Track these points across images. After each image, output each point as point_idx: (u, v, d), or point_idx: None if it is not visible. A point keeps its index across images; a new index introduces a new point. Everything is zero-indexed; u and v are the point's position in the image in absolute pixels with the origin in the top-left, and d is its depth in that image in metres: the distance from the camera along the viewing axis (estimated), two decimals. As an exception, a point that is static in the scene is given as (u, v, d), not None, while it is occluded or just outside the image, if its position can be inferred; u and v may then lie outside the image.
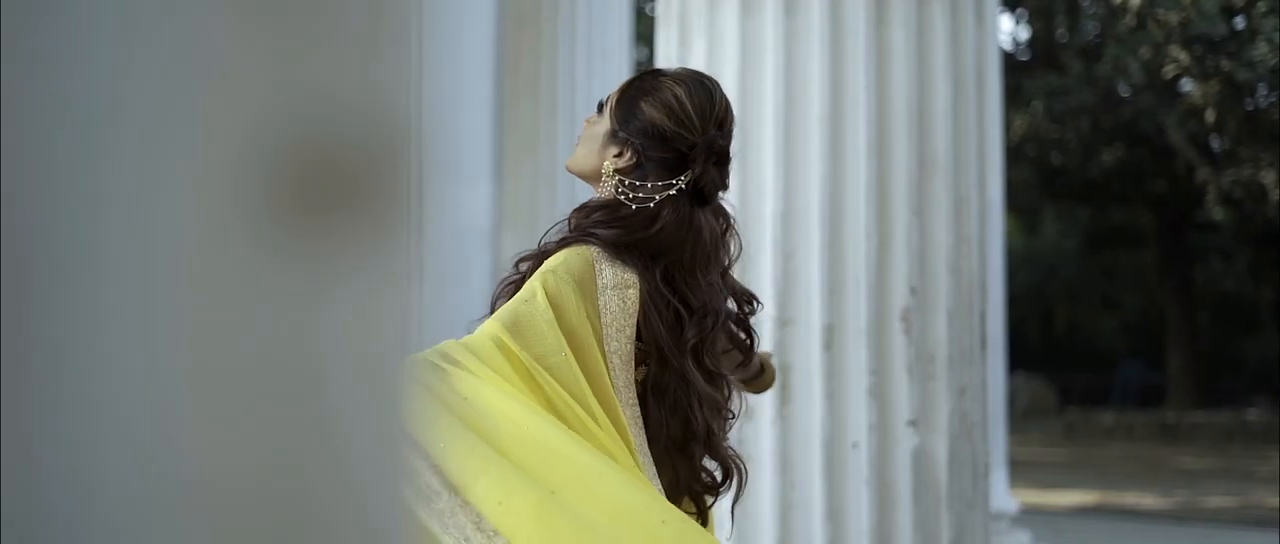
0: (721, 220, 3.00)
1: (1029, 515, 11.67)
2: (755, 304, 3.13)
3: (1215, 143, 23.58)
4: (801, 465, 4.70)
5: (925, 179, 4.81)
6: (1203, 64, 19.88)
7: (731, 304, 3.03)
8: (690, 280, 2.92)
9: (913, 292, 4.74)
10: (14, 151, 0.73)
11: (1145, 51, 19.78)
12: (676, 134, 2.96)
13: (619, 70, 11.61)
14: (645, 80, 3.04)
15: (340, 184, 0.81)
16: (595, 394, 2.81)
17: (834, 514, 4.68)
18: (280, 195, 0.78)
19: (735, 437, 4.71)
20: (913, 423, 4.72)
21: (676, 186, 2.95)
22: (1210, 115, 20.50)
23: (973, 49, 5.00)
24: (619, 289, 2.87)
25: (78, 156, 0.74)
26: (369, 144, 0.83)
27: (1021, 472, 16.49)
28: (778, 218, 4.73)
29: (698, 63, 4.88)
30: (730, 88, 4.80)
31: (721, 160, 2.97)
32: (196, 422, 0.76)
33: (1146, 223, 29.77)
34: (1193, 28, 19.04)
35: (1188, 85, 21.59)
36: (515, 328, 2.82)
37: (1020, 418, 25.51)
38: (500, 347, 2.78)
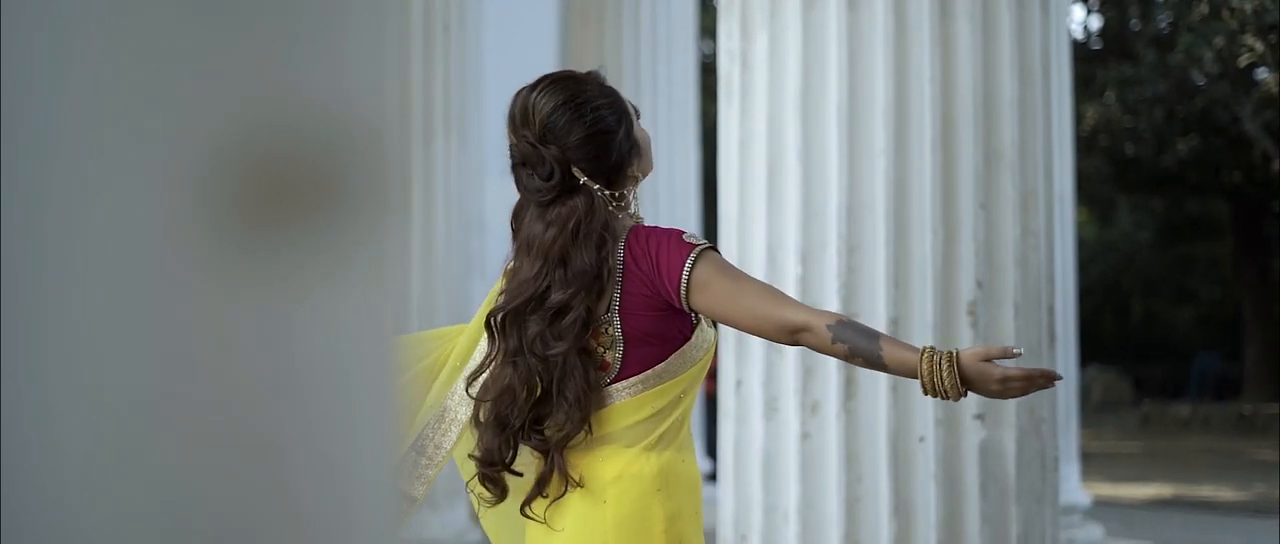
0: (554, 216, 3.25)
1: (1103, 508, 11.58)
2: (545, 302, 3.29)
3: (1291, 132, 23.30)
4: (868, 460, 4.68)
5: (991, 172, 4.78)
6: (1278, 53, 19.66)
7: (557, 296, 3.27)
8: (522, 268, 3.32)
9: (979, 285, 4.71)
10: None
11: (1219, 40, 19.56)
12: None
13: (684, 65, 11.61)
14: None
15: (313, 189, 0.81)
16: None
17: (901, 509, 4.66)
18: (249, 200, 0.77)
19: (800, 430, 4.70)
20: (980, 417, 4.69)
21: None
22: (1286, 104, 20.27)
23: (1039, 40, 4.96)
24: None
25: (45, 159, 0.74)
26: (343, 148, 0.82)
27: (1096, 465, 16.37)
28: (842, 212, 4.71)
29: (760, 57, 4.86)
30: (792, 81, 4.78)
31: (520, 163, 3.28)
32: (164, 424, 0.76)
33: (1222, 213, 29.48)
34: (1268, 16, 18.83)
35: (1263, 74, 21.36)
36: None
37: (1095, 410, 25.33)
38: None
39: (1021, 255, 4.78)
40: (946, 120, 4.75)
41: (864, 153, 4.74)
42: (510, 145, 3.29)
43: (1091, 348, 25.94)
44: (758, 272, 4.79)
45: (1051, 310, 4.97)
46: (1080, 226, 26.95)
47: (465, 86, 8.01)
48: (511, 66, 11.05)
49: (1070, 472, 9.66)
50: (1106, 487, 14.90)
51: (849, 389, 4.66)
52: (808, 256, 4.73)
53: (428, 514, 7.67)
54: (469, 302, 7.87)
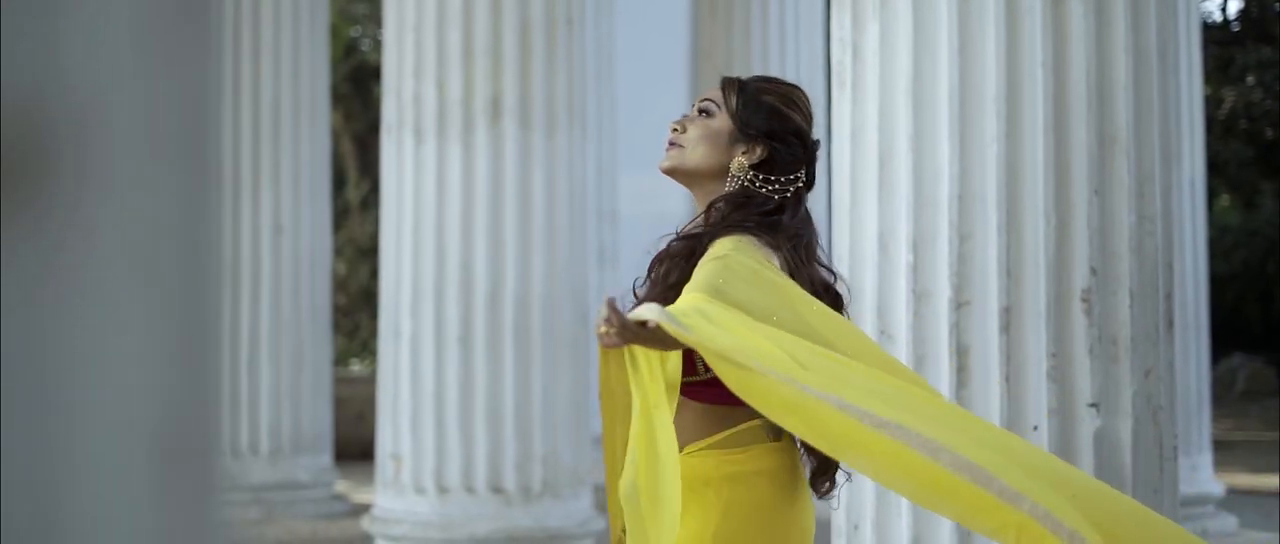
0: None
1: (1239, 498, 11.37)
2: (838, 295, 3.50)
3: None
4: (981, 449, 4.64)
5: (1106, 158, 4.73)
6: None
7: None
8: (804, 265, 3.31)
9: (1093, 272, 4.67)
10: None
11: (1363, 20, 19.15)
12: (805, 133, 3.44)
13: (811, 57, 11.60)
14: (763, 84, 3.38)
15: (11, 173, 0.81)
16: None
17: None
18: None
19: (911, 421, 4.68)
20: (1094, 405, 4.64)
21: (800, 180, 3.41)
22: None
23: (1155, 21, 4.89)
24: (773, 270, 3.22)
25: None
26: (51, 132, 0.82)
27: (1236, 454, 16.07)
28: (953, 200, 4.68)
29: (871, 46, 4.84)
30: (903, 69, 4.76)
31: (815, 158, 3.45)
32: None
33: (1370, 197, 28.80)
34: None
35: None
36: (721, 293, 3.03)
37: (1238, 399, 24.86)
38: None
39: (1137, 242, 4.73)
40: (1059, 106, 4.71)
41: (975, 140, 4.71)
42: (809, 135, 3.60)
43: (1235, 336, 25.47)
44: (869, 261, 4.78)
45: (1170, 297, 4.90)
46: (1223, 212, 26.47)
47: (587, 81, 8.03)
48: (641, 61, 11.11)
49: (1203, 461, 9.52)
50: (1246, 477, 14.62)
51: (961, 377, 4.64)
52: (919, 245, 4.71)
53: (550, 504, 7.68)
54: (589, 290, 7.88)
